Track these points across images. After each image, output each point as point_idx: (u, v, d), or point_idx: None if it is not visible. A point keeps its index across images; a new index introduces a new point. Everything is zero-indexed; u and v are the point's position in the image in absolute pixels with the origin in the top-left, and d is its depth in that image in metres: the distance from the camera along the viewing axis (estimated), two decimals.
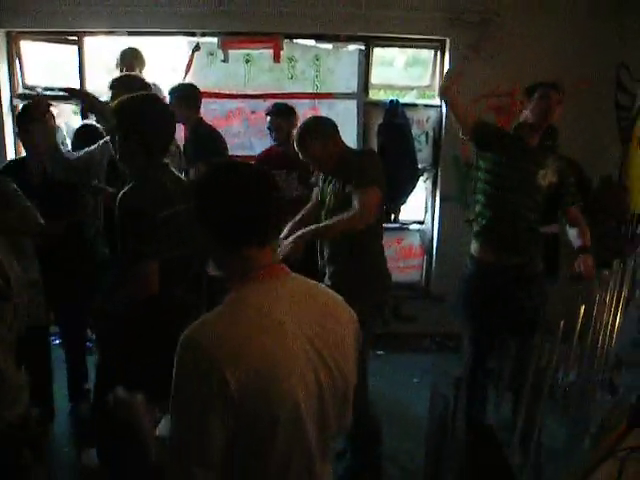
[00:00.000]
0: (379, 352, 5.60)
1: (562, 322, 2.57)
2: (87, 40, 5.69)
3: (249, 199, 1.77)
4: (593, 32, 5.65)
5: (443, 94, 4.32)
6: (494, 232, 3.97)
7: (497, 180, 3.96)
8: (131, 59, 5.28)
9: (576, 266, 3.70)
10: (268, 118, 5.25)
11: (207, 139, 5.18)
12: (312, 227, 3.62)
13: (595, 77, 5.73)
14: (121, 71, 5.17)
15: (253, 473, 1.72)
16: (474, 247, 4.07)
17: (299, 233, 3.51)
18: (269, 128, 5.26)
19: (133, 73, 5.10)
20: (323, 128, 3.74)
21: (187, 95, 5.17)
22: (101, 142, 4.23)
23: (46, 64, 5.84)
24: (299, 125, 4.01)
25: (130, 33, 5.58)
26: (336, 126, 3.81)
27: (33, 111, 4.18)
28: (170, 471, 1.70)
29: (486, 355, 4.22)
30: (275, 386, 1.66)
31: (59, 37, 5.71)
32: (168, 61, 5.66)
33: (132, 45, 5.39)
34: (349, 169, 3.60)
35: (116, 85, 4.43)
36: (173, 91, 5.15)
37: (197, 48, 5.71)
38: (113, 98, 4.25)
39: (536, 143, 3.98)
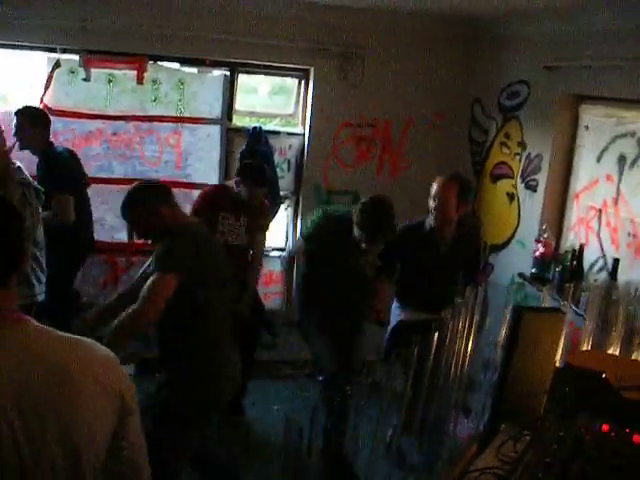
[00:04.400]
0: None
1: (416, 349, 2.64)
2: None
3: None
4: (451, 68, 5.93)
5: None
6: None
7: None
8: None
9: None
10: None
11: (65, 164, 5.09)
12: None
13: (451, 112, 5.99)
14: None
15: None
16: None
17: None
18: None
19: None
20: None
21: (36, 115, 5.03)
22: None
23: None
24: None
25: None
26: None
27: None
28: None
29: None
30: None
31: None
32: (26, 77, 5.44)
33: None
34: None
35: None
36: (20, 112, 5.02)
37: (57, 65, 5.52)
38: None
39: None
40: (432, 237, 4.54)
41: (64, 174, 5.04)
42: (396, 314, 4.71)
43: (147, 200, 3.40)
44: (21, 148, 5.07)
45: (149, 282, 3.20)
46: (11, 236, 1.74)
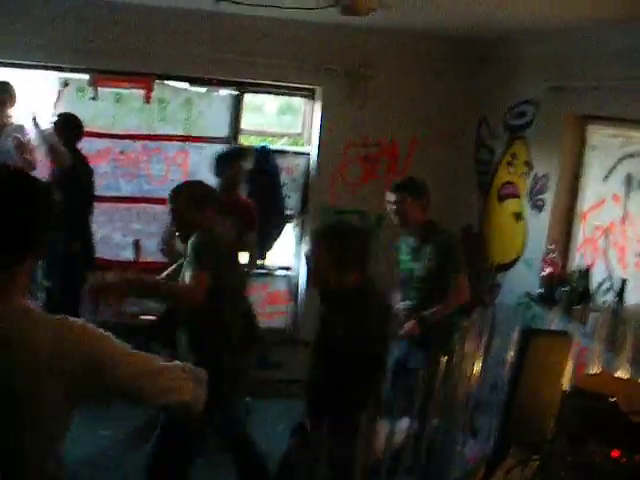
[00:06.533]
0: (246, 399, 5.53)
1: (422, 371, 2.63)
2: None
3: None
4: (457, 88, 5.95)
5: None
6: None
7: None
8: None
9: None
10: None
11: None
12: None
13: (458, 131, 6.00)
14: None
15: None
16: None
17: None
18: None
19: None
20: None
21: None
22: None
23: None
24: None
25: None
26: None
27: None
28: None
29: None
30: None
31: None
32: (34, 95, 5.47)
33: None
34: None
35: None
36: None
37: (66, 84, 5.56)
38: None
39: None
40: None
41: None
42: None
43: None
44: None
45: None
46: (28, 211, 1.56)
